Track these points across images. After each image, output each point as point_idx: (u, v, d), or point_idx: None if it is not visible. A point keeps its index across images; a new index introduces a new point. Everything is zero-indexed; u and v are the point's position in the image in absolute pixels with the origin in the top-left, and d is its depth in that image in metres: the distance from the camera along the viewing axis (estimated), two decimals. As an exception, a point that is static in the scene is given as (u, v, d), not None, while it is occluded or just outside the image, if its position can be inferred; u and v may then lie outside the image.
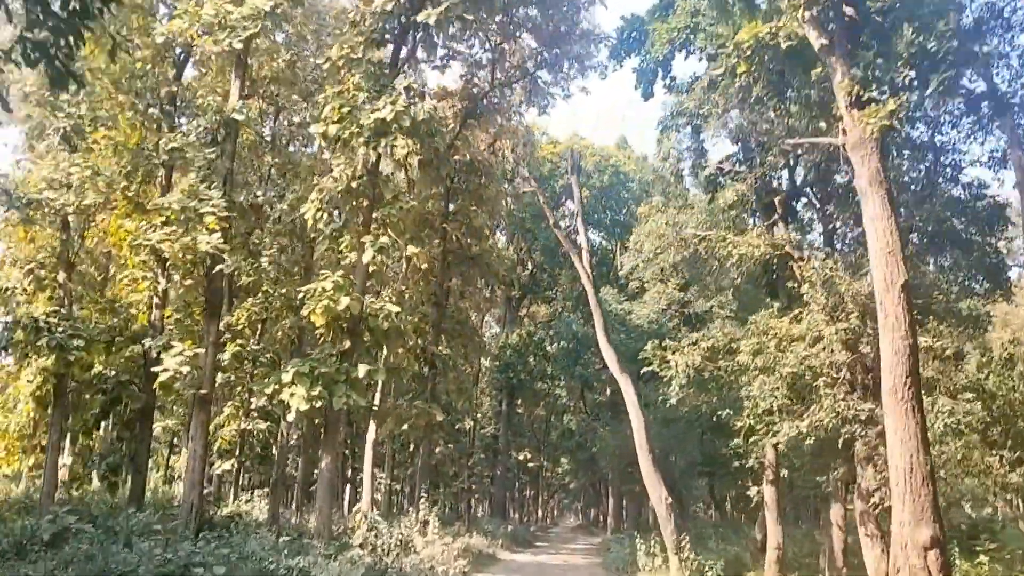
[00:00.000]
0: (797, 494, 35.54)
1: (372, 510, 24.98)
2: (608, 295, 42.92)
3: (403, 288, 25.95)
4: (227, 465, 30.91)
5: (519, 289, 47.50)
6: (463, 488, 50.98)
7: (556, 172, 46.53)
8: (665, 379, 19.00)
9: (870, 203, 10.78)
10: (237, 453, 30.15)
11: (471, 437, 54.47)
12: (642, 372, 20.10)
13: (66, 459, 25.60)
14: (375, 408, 24.18)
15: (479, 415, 52.82)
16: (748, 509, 54.11)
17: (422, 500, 21.62)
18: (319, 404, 19.41)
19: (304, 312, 20.22)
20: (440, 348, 25.97)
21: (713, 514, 57.11)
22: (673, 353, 19.02)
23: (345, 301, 19.80)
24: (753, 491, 21.73)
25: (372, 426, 26.50)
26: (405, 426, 26.10)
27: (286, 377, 19.79)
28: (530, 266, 48.35)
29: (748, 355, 16.92)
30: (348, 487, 39.30)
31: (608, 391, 41.99)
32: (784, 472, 21.59)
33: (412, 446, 35.33)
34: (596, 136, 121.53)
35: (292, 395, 19.48)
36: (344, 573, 13.92)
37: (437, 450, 31.31)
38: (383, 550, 15.84)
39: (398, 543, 16.09)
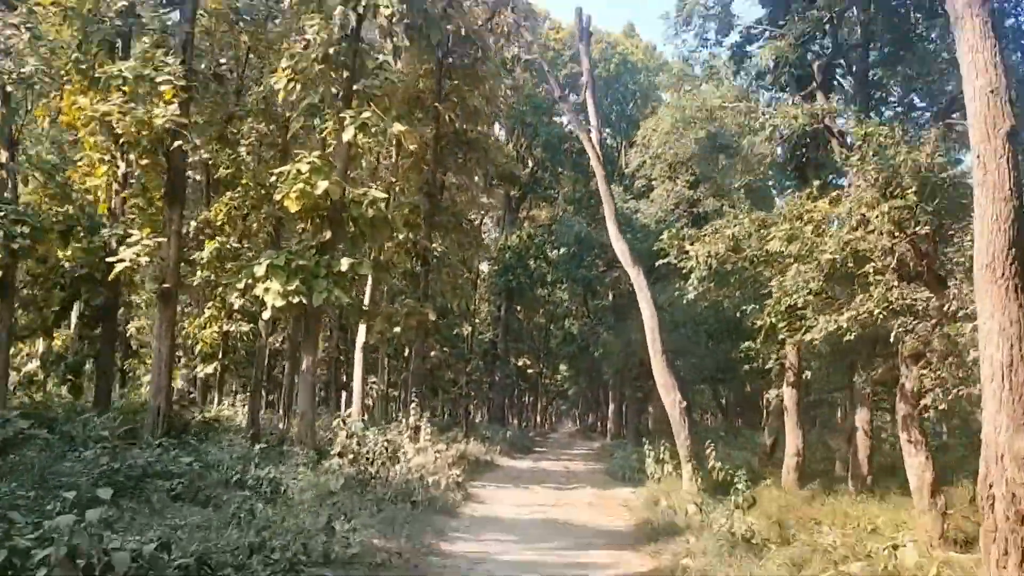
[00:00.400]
0: (812, 398, 34.36)
1: (362, 416, 23.47)
2: (614, 194, 40.59)
3: (392, 177, 23.72)
4: (209, 369, 29.40)
5: (519, 188, 45.09)
6: (461, 394, 50.02)
7: (560, 59, 43.39)
8: (684, 271, 16.94)
9: (967, 30, 8.46)
10: (220, 356, 28.55)
11: (469, 343, 53.18)
12: (656, 266, 18.01)
13: (35, 362, 23.95)
14: (364, 308, 22.29)
15: (477, 320, 51.33)
16: (751, 415, 53.42)
17: (413, 405, 19.96)
18: (296, 300, 17.48)
19: (277, 197, 18.05)
20: (434, 244, 23.92)
21: (712, 420, 56.56)
22: (692, 243, 16.92)
23: (323, 185, 17.63)
24: (771, 395, 20.09)
25: (362, 329, 24.70)
26: (397, 328, 24.33)
27: (259, 270, 17.79)
28: (531, 164, 45.76)
29: (781, 241, 14.81)
30: (343, 394, 38.09)
31: (611, 295, 40.19)
32: (807, 374, 19.85)
33: (407, 350, 33.77)
34: (602, 21, 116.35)
35: (266, 290, 17.53)
36: (321, 484, 12.22)
37: (432, 354, 29.66)
38: (367, 459, 14.16)
39: (384, 451, 14.41)
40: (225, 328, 27.00)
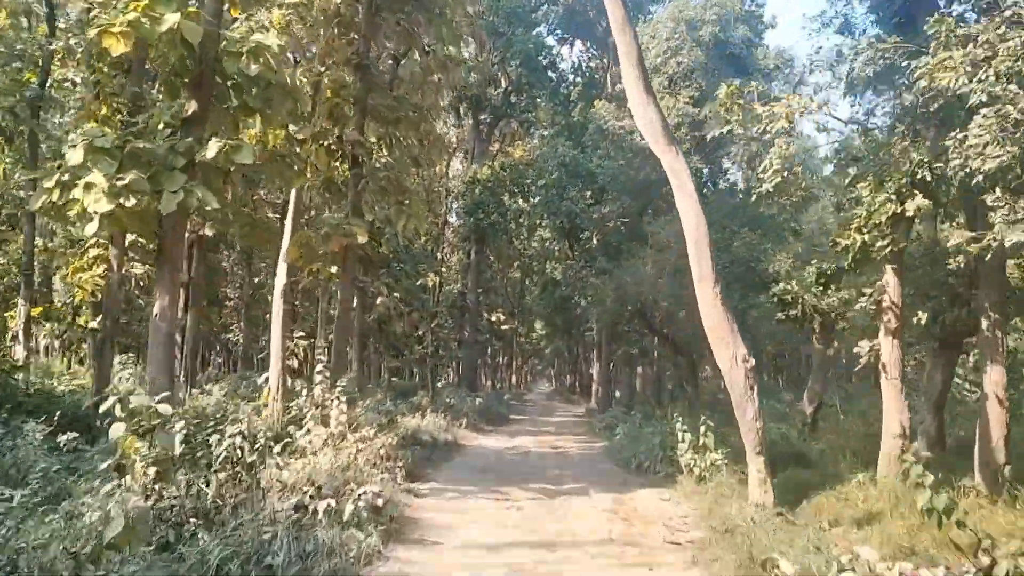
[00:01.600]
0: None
1: (281, 385, 16.75)
2: (603, 112, 33.74)
3: (311, 44, 16.73)
4: (93, 324, 22.47)
5: (489, 112, 38.01)
6: (427, 354, 43.61)
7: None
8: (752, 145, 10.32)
9: None
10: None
11: (435, 296, 46.61)
12: (708, 139, 11.37)
13: None
14: (266, 227, 15.42)
15: (445, 271, 44.58)
16: (784, 370, 47.33)
17: (319, 370, 13.25)
18: (135, 203, 10.68)
19: (92, 33, 11.07)
20: (370, 140, 17.04)
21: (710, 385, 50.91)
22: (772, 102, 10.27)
23: (172, 19, 10.77)
24: (862, 347, 13.72)
25: (282, 268, 17.84)
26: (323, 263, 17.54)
27: (74, 156, 10.94)
28: (504, 84, 38.61)
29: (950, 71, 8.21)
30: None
31: (597, 235, 33.52)
32: (920, 316, 13.56)
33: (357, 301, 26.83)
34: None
35: (87, 188, 10.71)
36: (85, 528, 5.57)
37: (380, 301, 22.90)
38: (203, 472, 7.51)
39: (237, 454, 7.80)
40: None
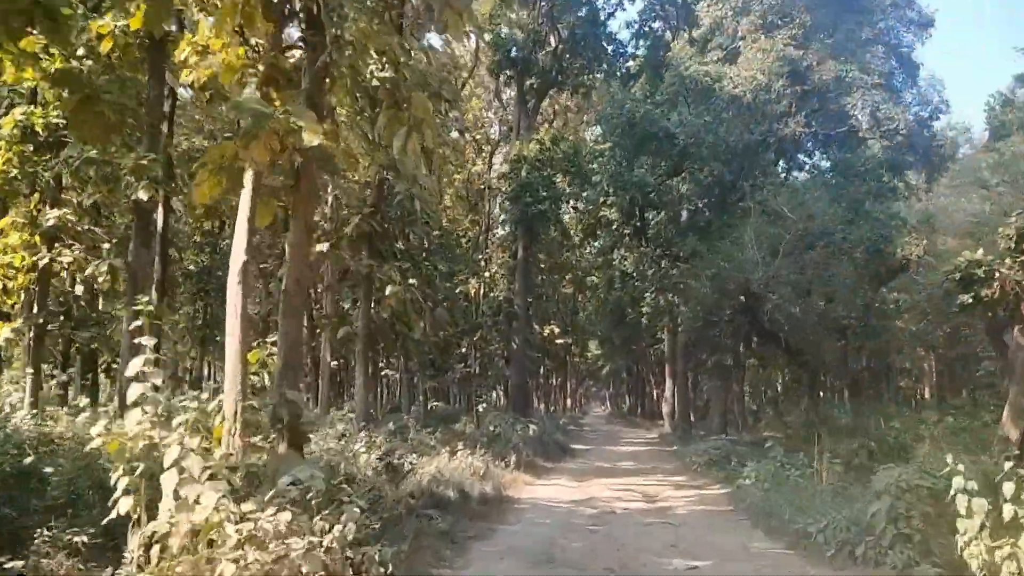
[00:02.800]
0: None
1: (236, 413, 10.09)
2: (682, 55, 26.81)
3: None
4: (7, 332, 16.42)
5: (537, 76, 31.38)
6: (469, 372, 37.03)
7: None
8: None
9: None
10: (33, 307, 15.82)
11: (476, 303, 40.00)
12: None
13: None
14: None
15: (487, 274, 37.99)
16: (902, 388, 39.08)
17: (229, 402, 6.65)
18: None
19: None
20: None
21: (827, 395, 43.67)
22: None
23: None
24: None
25: (240, 230, 11.21)
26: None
27: None
28: (553, 43, 31.98)
29: None
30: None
31: (679, 211, 26.47)
32: None
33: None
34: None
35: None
36: None
37: (389, 291, 16.15)
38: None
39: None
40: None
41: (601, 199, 27.01)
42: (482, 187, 41.83)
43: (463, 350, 37.29)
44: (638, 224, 26.78)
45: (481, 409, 28.18)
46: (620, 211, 26.56)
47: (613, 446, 30.04)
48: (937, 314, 24.78)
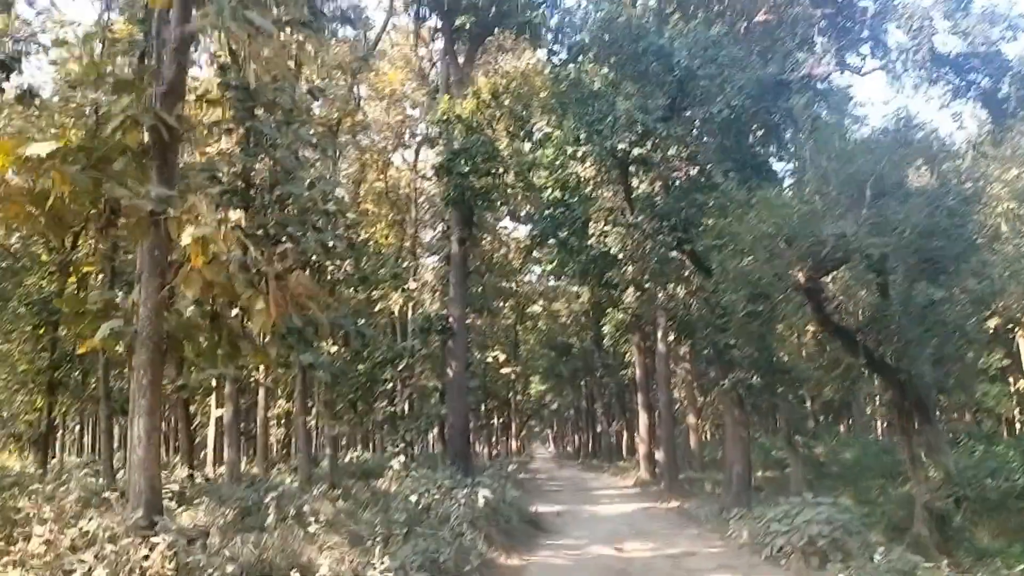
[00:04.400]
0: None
1: None
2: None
3: None
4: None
5: (467, 11, 23.47)
6: (396, 415, 28.78)
7: None
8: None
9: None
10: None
11: (400, 323, 31.80)
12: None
13: None
14: None
15: (414, 282, 29.69)
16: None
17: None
18: None
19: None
20: None
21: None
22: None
23: None
24: None
25: None
26: None
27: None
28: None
29: None
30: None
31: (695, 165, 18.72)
32: None
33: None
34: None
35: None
36: None
37: (187, 235, 7.91)
38: None
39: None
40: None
41: (569, 149, 18.93)
42: (409, 189, 33.80)
43: (389, 386, 28.99)
44: (625, 182, 18.69)
45: (397, 465, 19.69)
46: (598, 163, 18.51)
47: (592, 506, 21.77)
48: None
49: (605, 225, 19.78)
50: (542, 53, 24.83)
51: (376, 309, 31.25)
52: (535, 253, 30.09)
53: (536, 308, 61.56)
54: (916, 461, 13.46)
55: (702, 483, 26.85)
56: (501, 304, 39.30)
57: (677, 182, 18.00)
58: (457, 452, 23.25)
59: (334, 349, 24.85)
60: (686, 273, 18.87)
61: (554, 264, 26.63)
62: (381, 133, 32.62)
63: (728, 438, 19.64)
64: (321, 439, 31.40)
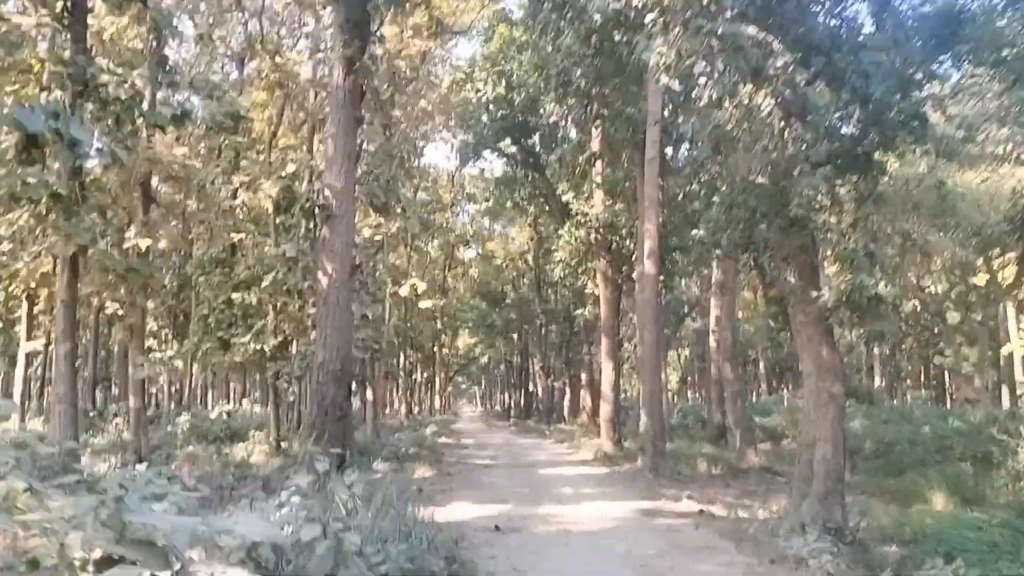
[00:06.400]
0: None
1: None
2: None
3: None
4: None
5: None
6: (261, 350, 20.01)
7: None
8: None
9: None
10: None
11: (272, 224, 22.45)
12: None
13: None
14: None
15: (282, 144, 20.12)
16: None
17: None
18: None
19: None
20: None
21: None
22: None
23: None
24: None
25: None
26: None
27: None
28: None
29: None
30: None
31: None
32: None
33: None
34: None
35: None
36: None
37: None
38: None
39: None
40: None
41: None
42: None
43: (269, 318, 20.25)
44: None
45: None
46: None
47: (551, 505, 12.59)
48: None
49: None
50: None
51: (238, 201, 21.39)
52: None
53: (469, 253, 52.80)
54: None
55: (694, 461, 18.94)
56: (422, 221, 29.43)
57: None
58: (328, 415, 13.97)
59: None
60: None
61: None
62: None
63: (809, 395, 10.77)
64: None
